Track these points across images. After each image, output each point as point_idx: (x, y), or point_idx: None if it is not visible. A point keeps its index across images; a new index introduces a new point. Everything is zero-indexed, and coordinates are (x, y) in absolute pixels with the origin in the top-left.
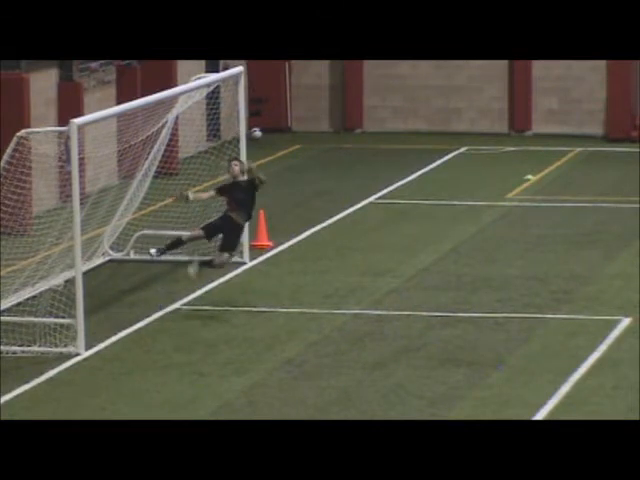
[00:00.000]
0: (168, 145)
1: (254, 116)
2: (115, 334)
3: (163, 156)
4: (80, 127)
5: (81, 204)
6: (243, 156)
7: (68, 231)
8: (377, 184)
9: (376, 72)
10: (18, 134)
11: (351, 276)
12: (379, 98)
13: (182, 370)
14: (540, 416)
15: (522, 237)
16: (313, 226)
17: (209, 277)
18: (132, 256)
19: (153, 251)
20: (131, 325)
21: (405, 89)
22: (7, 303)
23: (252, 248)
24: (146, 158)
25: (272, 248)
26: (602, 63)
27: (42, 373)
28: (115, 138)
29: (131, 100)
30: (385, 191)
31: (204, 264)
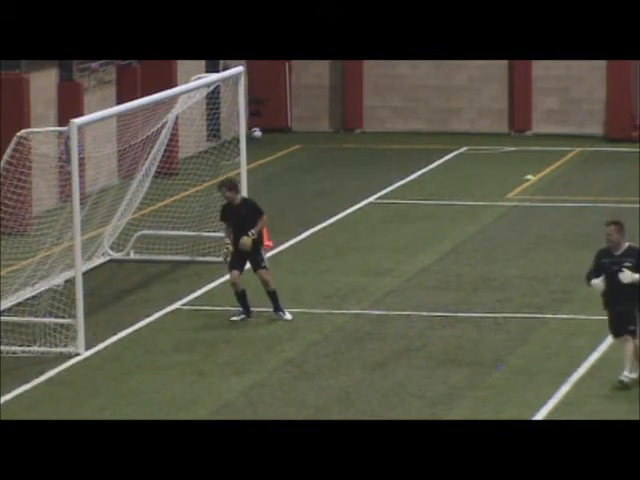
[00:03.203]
0: (168, 145)
1: (254, 116)
2: (115, 334)
3: (163, 156)
4: (80, 127)
5: (81, 204)
6: (243, 156)
7: (68, 231)
8: (377, 184)
9: (376, 72)
10: (18, 134)
11: (351, 276)
12: (379, 98)
13: (182, 370)
14: (540, 416)
15: (522, 237)
16: (313, 226)
17: (209, 277)
18: (132, 256)
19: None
20: (131, 325)
21: (405, 89)
22: (7, 303)
23: None
24: (146, 158)
25: (272, 248)
26: (602, 63)
27: (42, 373)
28: (115, 138)
29: (131, 100)
30: (385, 191)
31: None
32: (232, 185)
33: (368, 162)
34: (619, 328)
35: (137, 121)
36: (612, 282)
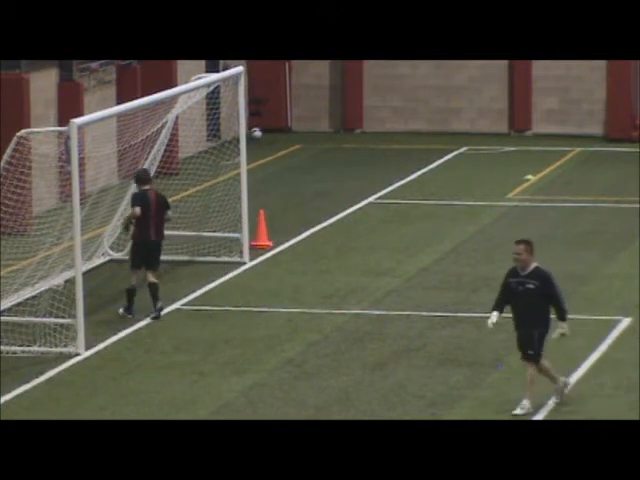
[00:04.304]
0: (168, 145)
1: (254, 116)
2: (115, 334)
3: (163, 156)
4: (80, 127)
5: (81, 204)
6: (243, 156)
7: (68, 231)
8: (377, 184)
9: (376, 72)
10: (18, 134)
11: (351, 276)
12: (379, 98)
13: (182, 370)
14: (540, 416)
15: (522, 237)
16: (313, 226)
17: (209, 277)
18: None
19: (121, 311)
20: (131, 325)
21: (405, 89)
22: (7, 303)
23: (252, 248)
24: (146, 158)
25: (272, 248)
26: (602, 63)
27: (42, 373)
28: (115, 138)
29: (131, 100)
30: (385, 191)
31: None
32: (136, 178)
33: (368, 162)
34: (522, 351)
35: (137, 121)
36: (517, 303)
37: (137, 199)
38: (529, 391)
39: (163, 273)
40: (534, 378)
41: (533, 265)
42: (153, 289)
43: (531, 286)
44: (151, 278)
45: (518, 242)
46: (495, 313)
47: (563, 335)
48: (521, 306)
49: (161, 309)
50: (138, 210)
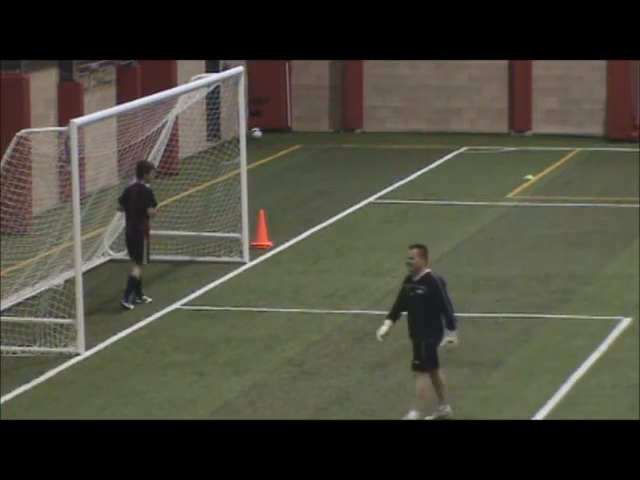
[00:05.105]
0: (168, 145)
1: (254, 116)
2: (115, 334)
3: (163, 156)
4: (80, 127)
5: (81, 204)
6: (243, 156)
7: (68, 231)
8: (377, 184)
9: (376, 72)
10: (18, 134)
11: (351, 276)
12: (379, 98)
13: (182, 370)
14: (540, 416)
15: (522, 237)
16: (313, 226)
17: (209, 277)
18: None
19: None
20: (131, 325)
21: (405, 89)
22: (7, 303)
23: (252, 248)
24: (146, 158)
25: (272, 248)
26: (602, 63)
27: (42, 373)
28: (115, 138)
29: (131, 100)
30: (385, 191)
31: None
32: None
33: (368, 162)
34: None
35: (137, 121)
36: (409, 310)
37: (122, 194)
38: (418, 402)
39: (164, 273)
40: (425, 391)
41: (425, 271)
42: (130, 282)
43: (420, 292)
44: (133, 271)
45: (412, 246)
46: (387, 322)
47: (451, 343)
48: (413, 313)
49: (126, 303)
50: (119, 207)
